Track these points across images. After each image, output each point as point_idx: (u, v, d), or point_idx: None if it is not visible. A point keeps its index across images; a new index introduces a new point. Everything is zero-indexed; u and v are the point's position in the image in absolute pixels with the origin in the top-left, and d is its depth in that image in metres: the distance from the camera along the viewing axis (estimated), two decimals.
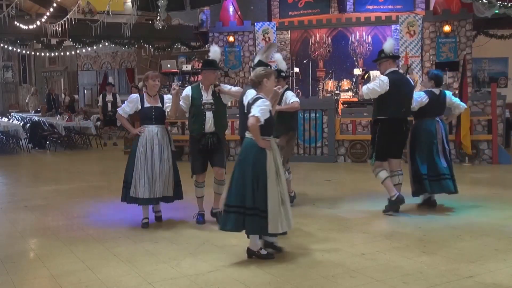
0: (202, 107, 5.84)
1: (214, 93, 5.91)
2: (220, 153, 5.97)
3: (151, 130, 5.87)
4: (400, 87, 6.25)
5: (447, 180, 6.50)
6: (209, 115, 5.84)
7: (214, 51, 6.03)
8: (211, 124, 5.84)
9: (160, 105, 5.97)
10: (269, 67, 5.54)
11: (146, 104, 5.94)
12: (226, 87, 6.05)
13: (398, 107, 6.29)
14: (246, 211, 4.56)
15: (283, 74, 6.55)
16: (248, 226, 4.60)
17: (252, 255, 4.71)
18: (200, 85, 5.95)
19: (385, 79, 6.20)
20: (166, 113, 5.97)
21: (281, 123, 6.64)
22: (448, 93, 6.84)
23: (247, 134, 4.74)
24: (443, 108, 6.74)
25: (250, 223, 4.57)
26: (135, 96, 6.06)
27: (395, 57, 6.45)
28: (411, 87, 6.54)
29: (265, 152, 4.60)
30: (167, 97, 6.02)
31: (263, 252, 4.72)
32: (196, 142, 5.90)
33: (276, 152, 4.71)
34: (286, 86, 6.65)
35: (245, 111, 4.88)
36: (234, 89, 6.10)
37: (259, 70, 4.88)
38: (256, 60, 5.82)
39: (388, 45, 6.40)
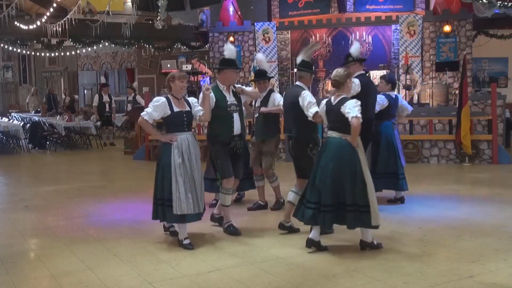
0: (229, 109, 5.50)
1: (235, 93, 5.64)
2: (240, 162, 5.71)
3: (186, 138, 5.17)
4: (367, 90, 6.33)
5: (399, 179, 6.84)
6: (236, 116, 5.53)
7: (230, 49, 5.67)
8: (239, 126, 5.54)
9: (189, 109, 5.28)
10: (312, 67, 5.58)
11: (176, 109, 5.18)
12: (242, 87, 5.85)
13: (366, 109, 6.34)
14: (346, 207, 4.74)
15: (268, 75, 6.59)
16: (351, 221, 4.76)
17: (366, 247, 4.89)
18: (220, 85, 5.58)
19: (357, 81, 6.25)
20: (197, 117, 5.33)
21: (267, 126, 6.63)
22: (399, 96, 7.19)
23: (334, 134, 4.89)
24: (396, 110, 7.05)
25: (352, 219, 4.73)
26: (163, 99, 5.20)
27: (361, 61, 6.54)
28: (376, 91, 6.72)
29: (356, 150, 4.79)
30: (194, 100, 5.42)
31: (375, 242, 4.91)
32: (223, 146, 5.50)
33: (361, 148, 4.90)
34: (271, 87, 6.62)
35: (308, 113, 5.20)
36: (249, 89, 6.00)
37: (341, 71, 4.94)
38: (299, 60, 5.59)
39: (355, 49, 6.46)
